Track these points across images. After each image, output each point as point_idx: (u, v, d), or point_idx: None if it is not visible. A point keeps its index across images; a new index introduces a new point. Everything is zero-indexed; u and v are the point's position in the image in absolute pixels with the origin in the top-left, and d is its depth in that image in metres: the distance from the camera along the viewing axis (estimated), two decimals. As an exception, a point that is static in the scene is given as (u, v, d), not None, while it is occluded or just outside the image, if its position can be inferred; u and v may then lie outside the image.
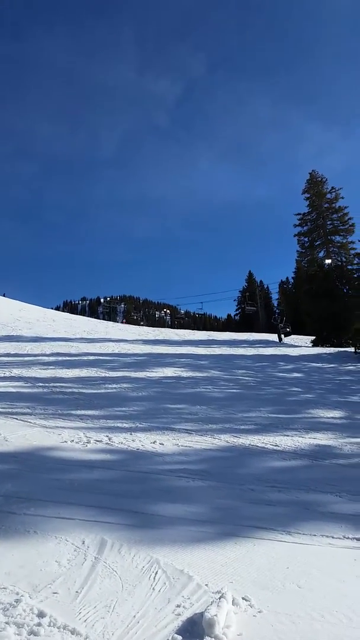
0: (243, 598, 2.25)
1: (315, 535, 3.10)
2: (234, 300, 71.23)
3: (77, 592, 2.28)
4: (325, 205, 36.95)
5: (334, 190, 36.93)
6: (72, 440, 5.34)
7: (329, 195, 37.13)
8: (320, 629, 2.04)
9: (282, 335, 34.10)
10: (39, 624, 1.98)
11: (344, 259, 34.84)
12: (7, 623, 1.98)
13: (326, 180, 37.95)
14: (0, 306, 29.76)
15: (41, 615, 2.05)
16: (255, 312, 43.82)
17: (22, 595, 2.20)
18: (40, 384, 9.18)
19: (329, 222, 36.47)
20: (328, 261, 34.07)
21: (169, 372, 12.32)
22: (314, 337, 32.83)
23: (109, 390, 9.17)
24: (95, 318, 54.44)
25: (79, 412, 6.92)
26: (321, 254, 36.10)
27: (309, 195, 37.85)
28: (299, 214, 37.66)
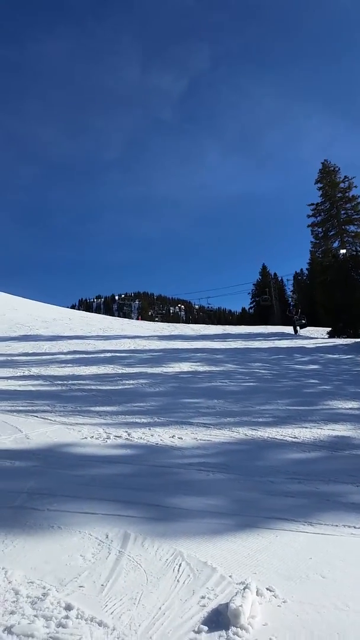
0: (267, 588, 2.26)
1: (337, 525, 3.09)
2: (248, 293, 70.91)
3: (102, 585, 2.31)
4: (339, 195, 36.42)
5: (347, 179, 36.36)
6: (92, 437, 5.40)
7: (342, 185, 36.57)
8: (345, 618, 2.04)
9: (298, 327, 33.96)
10: (67, 617, 2.01)
11: (359, 249, 34.38)
12: (35, 616, 2.01)
13: (339, 169, 37.37)
14: (17, 306, 30.07)
15: (68, 608, 2.08)
16: (270, 305, 43.66)
17: (49, 589, 2.24)
18: (59, 382, 9.28)
19: (342, 212, 35.96)
20: (343, 251, 33.69)
21: (185, 367, 12.34)
22: (330, 329, 32.58)
23: (126, 387, 9.23)
24: (110, 315, 54.70)
25: (97, 408, 6.98)
26: (335, 244, 35.65)
27: (321, 185, 37.32)
28: (312, 204, 37.20)
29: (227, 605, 2.05)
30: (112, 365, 12.00)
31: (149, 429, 5.84)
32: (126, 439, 5.38)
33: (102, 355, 14.14)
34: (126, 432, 5.64)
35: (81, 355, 13.74)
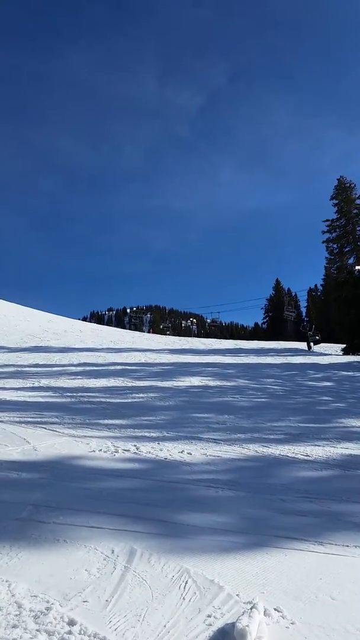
0: (275, 609, 2.20)
1: (348, 546, 3.02)
2: (261, 308, 70.87)
3: (107, 600, 2.27)
4: (355, 211, 36.44)
5: (363, 195, 36.41)
6: (100, 450, 5.37)
7: (358, 201, 36.64)
8: (355, 642, 1.97)
9: (312, 344, 33.72)
10: (70, 632, 1.97)
11: (374, 266, 34.19)
12: (38, 630, 1.98)
13: (354, 185, 37.45)
14: (29, 318, 30.31)
15: (72, 623, 2.05)
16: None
17: (52, 604, 2.20)
18: (68, 394, 9.29)
19: (358, 228, 35.93)
20: (358, 267, 33.51)
21: (195, 381, 12.29)
22: (344, 345, 32.28)
23: (136, 400, 9.21)
24: (121, 328, 54.90)
25: (106, 421, 6.96)
26: (351, 261, 35.57)
27: (337, 202, 37.41)
28: (327, 220, 37.25)
29: (233, 625, 1.99)
30: (122, 378, 11.99)
31: (158, 444, 5.79)
32: (134, 452, 5.35)
33: (112, 367, 14.16)
34: (135, 446, 5.61)
35: (91, 368, 13.76)
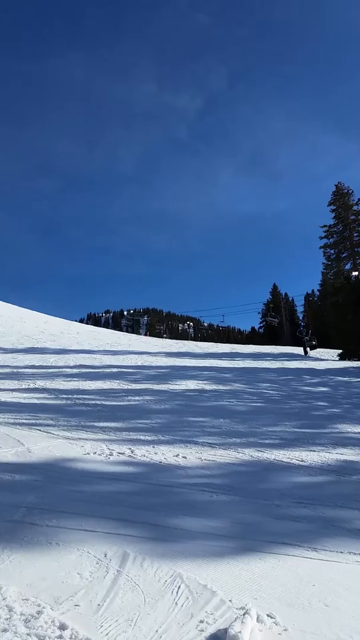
0: (268, 615, 2.18)
1: (342, 552, 3.01)
2: (258, 313, 71.02)
3: (98, 605, 2.25)
4: (352, 217, 36.57)
5: (360, 201, 36.55)
6: (95, 452, 5.34)
7: (355, 207, 36.77)
8: (348, 650, 1.96)
9: (308, 349, 33.71)
10: (61, 637, 1.95)
11: (371, 271, 34.28)
12: (28, 635, 1.96)
13: (352, 192, 37.61)
14: (26, 318, 30.24)
15: (63, 627, 2.02)
16: (278, 323, 43.39)
17: (43, 607, 2.18)
18: (64, 396, 9.26)
19: (355, 234, 36.07)
20: (355, 273, 33.57)
21: (191, 384, 12.27)
22: (340, 351, 32.30)
23: (131, 403, 9.18)
24: (118, 330, 54.83)
25: (101, 424, 6.93)
26: (348, 266, 35.68)
27: (334, 207, 37.55)
28: (324, 226, 37.38)
29: (225, 631, 1.98)
30: (118, 381, 11.97)
31: (153, 447, 5.77)
32: (129, 456, 5.32)
33: (108, 370, 14.12)
34: (129, 449, 5.58)
35: (87, 370, 13.72)
